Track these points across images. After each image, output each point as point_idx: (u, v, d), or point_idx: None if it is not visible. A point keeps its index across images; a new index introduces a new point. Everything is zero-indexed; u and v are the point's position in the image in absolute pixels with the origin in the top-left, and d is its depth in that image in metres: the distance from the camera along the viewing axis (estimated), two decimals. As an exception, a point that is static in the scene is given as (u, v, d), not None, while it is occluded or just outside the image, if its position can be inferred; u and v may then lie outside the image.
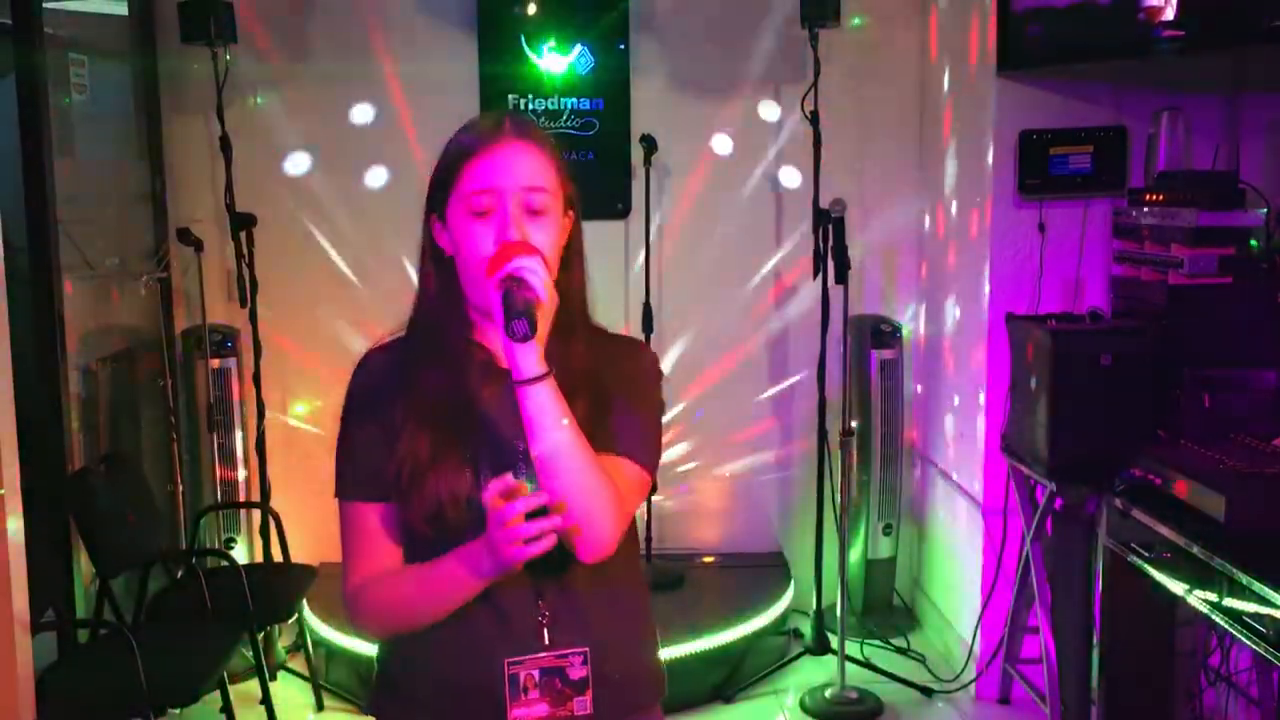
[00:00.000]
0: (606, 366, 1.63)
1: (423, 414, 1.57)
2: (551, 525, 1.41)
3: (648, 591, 1.78)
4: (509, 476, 1.43)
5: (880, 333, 4.43)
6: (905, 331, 4.56)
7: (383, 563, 1.61)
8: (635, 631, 1.70)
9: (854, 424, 4.13)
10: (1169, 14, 3.00)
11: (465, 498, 1.53)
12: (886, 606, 4.59)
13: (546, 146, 1.60)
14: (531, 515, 1.40)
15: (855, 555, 4.51)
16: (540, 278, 1.46)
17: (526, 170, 1.55)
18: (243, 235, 4.05)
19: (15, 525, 2.48)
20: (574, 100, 4.49)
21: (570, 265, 1.64)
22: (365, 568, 1.61)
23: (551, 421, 1.46)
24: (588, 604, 1.60)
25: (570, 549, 1.49)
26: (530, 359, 1.45)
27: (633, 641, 1.69)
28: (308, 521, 4.31)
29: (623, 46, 4.47)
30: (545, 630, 1.56)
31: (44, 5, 3.55)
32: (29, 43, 3.44)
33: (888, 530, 4.52)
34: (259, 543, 4.22)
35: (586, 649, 1.58)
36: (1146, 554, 2.74)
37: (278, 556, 4.08)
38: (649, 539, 4.45)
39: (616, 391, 1.61)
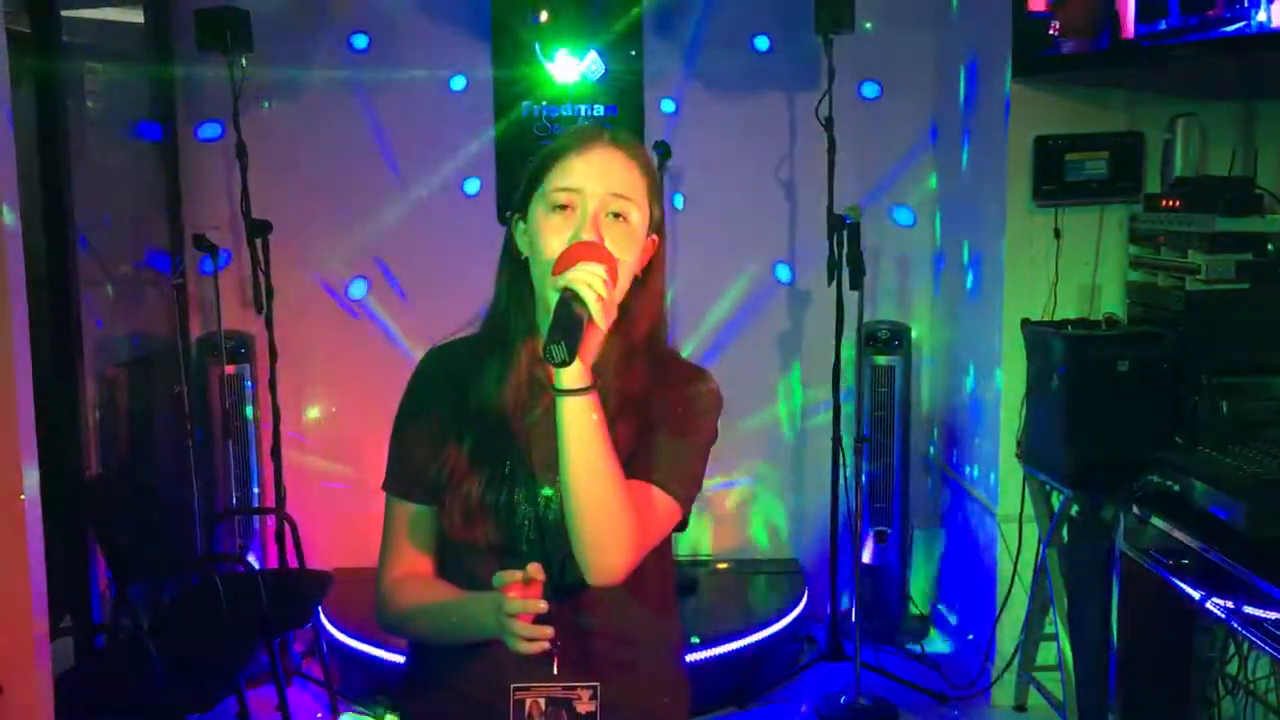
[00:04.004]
0: (659, 393, 1.58)
1: (469, 420, 1.56)
2: (549, 637, 1.41)
3: (678, 627, 1.74)
4: (520, 574, 1.42)
5: (880, 339, 4.39)
6: (916, 336, 4.55)
7: (416, 565, 1.62)
8: (655, 671, 1.66)
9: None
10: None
11: (498, 512, 1.53)
12: (885, 614, 4.53)
13: (641, 160, 1.57)
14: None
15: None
16: (597, 293, 1.40)
17: (617, 177, 1.52)
18: (258, 242, 4.06)
19: (34, 531, 2.49)
20: (587, 107, 4.49)
21: (645, 287, 1.57)
22: (399, 566, 1.62)
23: (581, 435, 1.42)
24: (603, 637, 1.58)
25: (581, 571, 1.48)
26: (571, 370, 1.40)
27: (651, 681, 1.65)
28: (323, 527, 4.31)
29: (635, 53, 4.48)
30: (556, 660, 1.53)
31: (62, 13, 3.57)
32: (47, 50, 3.46)
33: (881, 538, 4.48)
34: (274, 548, 4.23)
35: (596, 684, 1.56)
36: (1164, 561, 2.73)
37: (293, 562, 4.09)
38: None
39: (662, 418, 1.56)
